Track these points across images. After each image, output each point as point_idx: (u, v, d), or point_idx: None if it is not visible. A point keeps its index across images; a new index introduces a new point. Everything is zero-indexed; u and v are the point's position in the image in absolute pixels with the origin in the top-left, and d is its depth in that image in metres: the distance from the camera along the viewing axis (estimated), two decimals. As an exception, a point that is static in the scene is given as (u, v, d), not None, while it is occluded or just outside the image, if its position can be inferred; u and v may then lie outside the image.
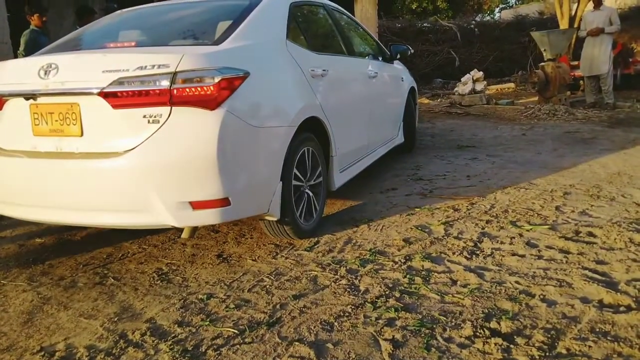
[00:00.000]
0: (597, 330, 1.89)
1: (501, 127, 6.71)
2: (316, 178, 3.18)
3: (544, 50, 8.22)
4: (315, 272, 2.54)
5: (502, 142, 5.77)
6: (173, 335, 2.05)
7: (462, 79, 9.69)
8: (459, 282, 2.36)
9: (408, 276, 2.44)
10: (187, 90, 2.36)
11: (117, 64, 2.41)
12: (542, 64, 8.32)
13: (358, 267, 2.58)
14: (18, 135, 2.65)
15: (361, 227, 3.17)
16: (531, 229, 2.97)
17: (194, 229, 2.67)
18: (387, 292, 2.29)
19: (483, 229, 3.03)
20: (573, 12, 11.95)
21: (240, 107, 2.50)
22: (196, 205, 2.42)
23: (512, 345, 1.83)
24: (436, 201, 3.64)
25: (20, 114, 2.61)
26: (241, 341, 1.97)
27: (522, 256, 2.61)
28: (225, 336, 2.01)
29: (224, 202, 2.45)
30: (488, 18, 21.91)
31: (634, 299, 2.10)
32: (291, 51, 3.08)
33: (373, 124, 4.18)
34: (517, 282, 2.32)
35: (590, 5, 8.44)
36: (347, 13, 4.57)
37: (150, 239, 3.18)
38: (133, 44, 3.01)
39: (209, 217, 2.48)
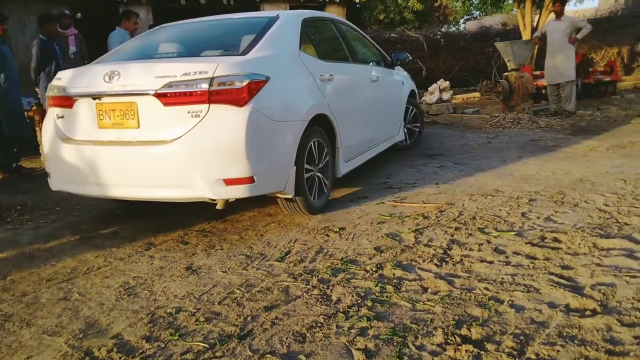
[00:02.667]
0: (565, 334, 1.93)
1: (468, 136, 6.83)
2: (324, 165, 3.78)
3: (508, 60, 8.42)
4: (287, 283, 2.52)
5: (469, 150, 5.87)
6: (141, 351, 1.99)
7: (429, 89, 9.84)
8: (429, 290, 2.38)
9: (379, 285, 2.44)
10: (222, 91, 3.00)
11: (167, 71, 3.06)
12: (506, 73, 8.53)
13: (330, 276, 2.57)
14: (85, 128, 3.32)
15: (332, 236, 3.17)
16: (498, 236, 3.02)
17: (226, 201, 3.23)
18: (359, 301, 2.28)
19: (452, 236, 3.07)
20: (535, 23, 12.32)
21: (262, 105, 3.12)
22: (228, 182, 3.05)
23: (482, 352, 1.84)
24: (406, 209, 3.67)
25: (88, 111, 3.28)
26: (212, 355, 1.93)
27: (491, 262, 2.65)
28: (195, 351, 1.97)
29: (250, 180, 3.08)
30: (453, 29, 22.38)
31: (599, 302, 2.15)
32: (303, 59, 3.73)
33: (375, 121, 4.79)
34: (486, 288, 2.36)
35: (552, 15, 8.68)
36: (354, 26, 5.24)
37: (117, 252, 3.11)
38: (176, 54, 3.75)
39: (238, 191, 3.10)
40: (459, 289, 2.36)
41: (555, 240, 2.91)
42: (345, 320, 2.13)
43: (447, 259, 2.72)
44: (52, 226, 3.72)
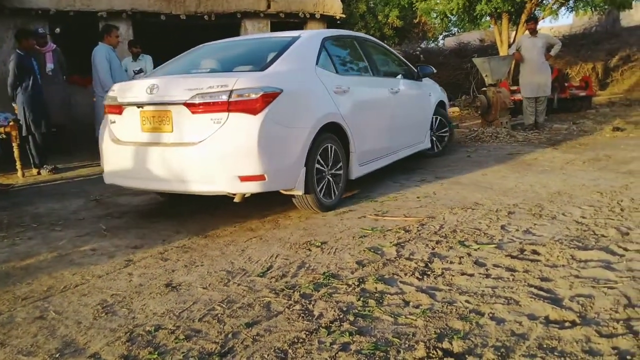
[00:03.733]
0: (545, 346, 1.94)
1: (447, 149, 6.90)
2: (337, 168, 4.20)
3: (486, 75, 8.58)
4: (269, 298, 2.50)
5: (449, 164, 5.94)
6: (119, 370, 1.95)
7: (410, 103, 9.93)
8: (411, 303, 2.38)
9: (362, 299, 2.44)
10: (239, 102, 3.49)
11: (195, 84, 3.61)
12: (484, 88, 8.68)
13: (312, 291, 2.56)
14: (130, 131, 3.91)
15: (314, 251, 3.16)
16: (479, 248, 3.05)
17: (243, 196, 3.76)
18: (341, 316, 2.27)
19: (433, 249, 3.09)
20: (512, 40, 12.59)
21: (275, 113, 3.59)
22: (243, 179, 3.53)
23: (464, 365, 1.85)
24: (388, 223, 3.68)
25: (133, 117, 3.86)
26: (192, 373, 1.90)
27: (471, 275, 2.66)
28: (175, 369, 1.94)
29: (262, 177, 3.55)
30: (433, 45, 22.73)
31: (578, 314, 2.17)
32: (319, 74, 4.18)
33: (395, 130, 5.14)
34: (467, 301, 2.37)
35: (527, 32, 8.90)
36: (380, 42, 5.73)
37: (94, 269, 3.05)
38: (208, 70, 4.25)
39: (251, 187, 3.60)
40: (440, 302, 2.37)
41: (534, 252, 2.94)
42: (328, 335, 2.12)
43: (429, 272, 2.73)
44: (29, 243, 3.65)
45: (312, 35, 4.58)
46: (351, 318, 2.25)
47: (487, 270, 2.72)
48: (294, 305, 2.41)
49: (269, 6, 9.79)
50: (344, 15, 10.81)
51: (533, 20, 8.77)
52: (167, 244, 3.46)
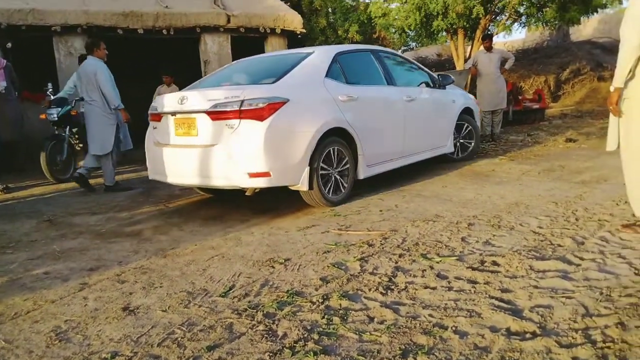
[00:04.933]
0: (507, 358, 1.96)
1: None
2: (344, 168, 4.72)
3: (444, 89, 8.77)
4: (231, 319, 2.44)
5: (410, 176, 6.00)
6: (73, 402, 1.85)
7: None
8: (376, 319, 2.37)
9: (326, 316, 2.41)
10: (249, 110, 4.11)
11: (214, 96, 4.29)
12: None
13: (275, 310, 2.52)
14: (167, 135, 4.64)
15: (278, 268, 3.12)
16: (441, 261, 3.08)
17: (253, 190, 4.41)
18: (305, 335, 2.24)
19: (396, 263, 3.09)
20: (468, 54, 12.94)
21: (280, 119, 4.18)
22: (251, 175, 4.15)
23: (429, 381, 1.84)
24: (352, 237, 3.68)
25: (169, 124, 4.59)
26: (151, 402, 1.83)
27: (434, 288, 2.68)
28: (133, 398, 1.86)
29: (267, 174, 4.14)
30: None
31: (538, 325, 2.21)
32: (327, 85, 4.70)
33: (409, 135, 5.51)
34: (430, 315, 2.37)
35: (482, 47, 9.20)
36: (401, 55, 6.30)
37: (47, 294, 2.92)
38: (233, 83, 4.90)
39: (259, 182, 4.18)
40: (404, 317, 2.37)
41: (494, 263, 2.99)
42: (292, 356, 2.08)
43: (393, 287, 2.73)
44: (-24, 268, 3.46)
45: (324, 51, 5.17)
46: (316, 337, 2.22)
47: (449, 282, 2.75)
48: (257, 326, 2.36)
49: (228, 21, 9.76)
50: (304, 30, 10.87)
51: (489, 38, 9.11)
52: (124, 266, 3.35)
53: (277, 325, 2.36)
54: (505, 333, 2.16)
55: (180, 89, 8.53)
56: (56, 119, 6.77)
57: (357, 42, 20.78)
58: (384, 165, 5.25)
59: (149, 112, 4.88)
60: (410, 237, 3.60)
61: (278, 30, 10.16)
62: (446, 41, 14.40)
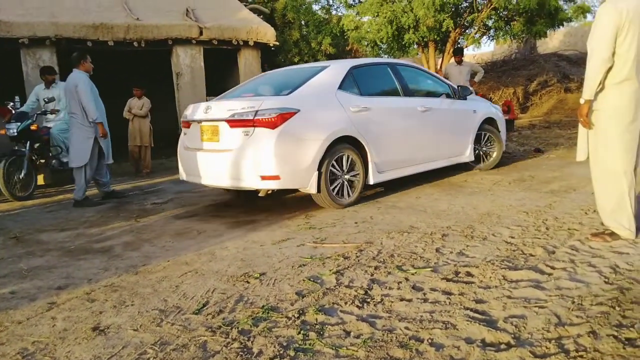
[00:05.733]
0: (482, 370, 1.97)
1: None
2: (354, 173, 5.07)
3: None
4: (205, 337, 2.39)
5: (384, 187, 6.04)
6: None
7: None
8: (352, 333, 2.35)
9: (302, 332, 2.39)
10: (262, 119, 4.56)
11: (233, 106, 4.77)
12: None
13: (251, 326, 2.48)
14: (195, 141, 5.19)
15: (253, 283, 3.08)
16: (416, 272, 3.09)
17: (266, 192, 4.98)
18: (281, 352, 2.21)
19: (372, 275, 3.09)
20: (438, 66, 13.16)
21: (290, 128, 4.60)
22: (263, 178, 4.58)
23: (406, 395, 1.83)
24: (327, 250, 3.67)
25: (196, 130, 5.15)
26: None
27: (410, 300, 2.68)
28: (103, 422, 1.79)
29: (277, 177, 4.56)
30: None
31: (512, 335, 2.23)
32: (339, 96, 5.04)
33: (423, 143, 5.77)
34: (406, 327, 2.37)
35: (452, 59, 9.40)
36: (421, 67, 6.64)
37: (14, 314, 2.82)
38: (251, 95, 5.32)
39: (270, 184, 4.63)
40: (380, 330, 2.36)
41: (468, 274, 3.01)
42: (267, 373, 2.04)
43: (368, 300, 2.72)
44: (-64, 289, 3.32)
45: (340, 65, 5.50)
46: (292, 353, 2.19)
47: (424, 294, 2.75)
48: (232, 344, 2.31)
49: (201, 33, 9.72)
50: (277, 42, 10.90)
51: (460, 52, 9.33)
52: (94, 283, 3.26)
53: (252, 342, 2.32)
54: (480, 344, 2.17)
55: (151, 102, 8.49)
56: (15, 134, 6.57)
57: (330, 55, 20.95)
58: (396, 172, 5.50)
59: (181, 119, 5.66)
60: (386, 249, 3.60)
61: (251, 43, 10.16)
62: (417, 54, 14.61)
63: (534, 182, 5.77)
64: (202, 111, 5.05)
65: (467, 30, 13.62)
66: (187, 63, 9.94)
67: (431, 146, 5.92)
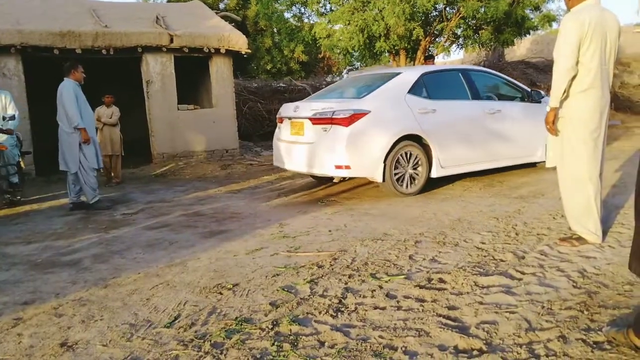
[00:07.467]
0: (456, 377, 1.98)
1: (357, 180, 7.06)
2: (416, 167, 5.74)
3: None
4: (177, 351, 2.35)
5: (358, 195, 6.07)
6: None
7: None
8: (326, 344, 2.34)
9: (276, 343, 2.37)
10: (337, 118, 5.45)
11: (315, 107, 5.82)
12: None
13: (224, 339, 2.45)
14: (286, 134, 6.27)
15: (226, 294, 3.05)
16: (389, 280, 3.10)
17: (340, 178, 6.25)
18: (254, 364, 2.18)
19: (346, 284, 3.09)
20: (410, 74, 13.31)
21: (361, 126, 5.43)
22: (336, 167, 5.49)
23: (380, 405, 1.83)
24: (301, 259, 3.65)
25: (288, 125, 6.23)
26: None
27: (383, 309, 2.69)
28: None
29: (348, 167, 5.45)
30: (337, 78, 23.47)
31: (484, 341, 2.25)
32: (407, 99, 5.76)
33: (488, 143, 6.21)
34: (380, 336, 2.38)
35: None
36: (496, 73, 6.96)
37: (-24, 333, 2.71)
38: (337, 96, 6.37)
39: (342, 172, 5.58)
40: (354, 340, 2.36)
41: (441, 280, 3.04)
42: (241, 386, 2.02)
43: (343, 309, 2.72)
44: None
45: (411, 71, 6.20)
46: (265, 365, 2.17)
47: (398, 302, 2.77)
48: (204, 357, 2.28)
49: (171, 40, 9.61)
50: (249, 50, 10.86)
51: (432, 59, 9.50)
52: (62, 298, 3.17)
53: (225, 355, 2.29)
54: (453, 351, 2.18)
55: (120, 110, 8.35)
56: None
57: (303, 62, 21.00)
58: (458, 168, 6.02)
59: (277, 116, 6.64)
60: (360, 256, 3.61)
61: (223, 50, 10.10)
62: (389, 61, 14.77)
63: (503, 188, 5.88)
64: (292, 110, 6.11)
65: (437, 39, 13.83)
66: (158, 71, 9.82)
67: (497, 146, 6.29)
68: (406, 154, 5.63)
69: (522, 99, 6.73)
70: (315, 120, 5.62)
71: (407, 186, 5.70)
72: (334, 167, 5.47)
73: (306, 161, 5.79)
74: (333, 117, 5.46)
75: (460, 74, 6.43)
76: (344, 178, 5.98)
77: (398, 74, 6.06)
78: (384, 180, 5.53)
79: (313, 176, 6.86)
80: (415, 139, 5.67)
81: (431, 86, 6.01)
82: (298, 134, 5.95)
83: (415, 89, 5.85)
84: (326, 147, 5.50)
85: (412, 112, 5.68)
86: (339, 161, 5.42)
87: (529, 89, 6.90)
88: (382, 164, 5.46)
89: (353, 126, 5.37)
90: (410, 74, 6.02)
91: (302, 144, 5.86)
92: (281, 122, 6.41)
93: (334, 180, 6.10)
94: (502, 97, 6.68)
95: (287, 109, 6.32)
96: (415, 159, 5.69)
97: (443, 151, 5.81)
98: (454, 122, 5.99)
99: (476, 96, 6.34)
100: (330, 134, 5.48)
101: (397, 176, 5.62)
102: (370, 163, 5.46)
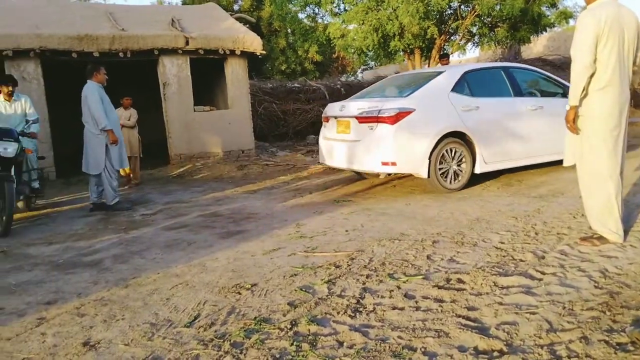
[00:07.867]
0: (476, 378, 1.97)
1: (373, 180, 7.06)
2: (460, 163, 5.85)
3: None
4: (197, 351, 2.38)
5: (374, 194, 6.06)
6: None
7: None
8: (345, 344, 2.35)
9: (295, 343, 2.38)
10: (383, 117, 5.60)
11: (361, 106, 6.01)
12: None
13: (243, 339, 2.47)
14: (332, 132, 6.47)
15: (244, 294, 3.07)
16: (407, 280, 3.09)
17: (386, 175, 6.26)
18: (274, 364, 2.20)
19: (364, 284, 3.09)
20: (425, 73, 13.25)
21: (406, 124, 5.57)
22: (383, 163, 5.63)
23: (401, 406, 1.83)
24: (318, 259, 3.66)
25: (333, 124, 6.42)
26: None
27: (402, 309, 2.68)
28: None
29: (394, 163, 5.59)
30: (352, 78, 23.47)
31: (505, 342, 2.24)
32: (450, 97, 5.87)
33: (531, 139, 6.25)
34: (399, 336, 2.37)
35: (439, 65, 9.47)
36: (536, 69, 7.04)
37: (2, 331, 2.77)
38: (380, 95, 6.45)
39: (388, 169, 5.68)
40: (373, 340, 2.36)
41: (460, 281, 3.02)
42: (261, 386, 2.03)
43: (361, 309, 2.72)
44: None
45: (454, 70, 6.27)
46: (285, 365, 2.18)
47: (416, 302, 2.76)
48: (224, 357, 2.30)
49: (187, 43, 9.70)
50: (264, 51, 10.90)
51: (446, 57, 9.41)
52: (84, 298, 3.22)
53: (244, 355, 2.31)
54: (473, 352, 2.17)
55: (137, 112, 8.45)
56: (13, 155, 6.14)
57: (317, 63, 21.02)
58: (501, 164, 6.12)
59: (323, 115, 6.87)
60: (377, 256, 3.61)
61: (238, 52, 10.15)
62: (404, 60, 14.72)
63: (522, 187, 5.82)
64: (338, 109, 6.32)
65: (452, 37, 13.75)
66: (174, 73, 9.91)
67: (539, 142, 6.31)
68: (450, 150, 5.74)
69: (564, 95, 6.62)
70: (362, 119, 5.79)
71: (451, 181, 5.80)
72: (381, 164, 5.60)
73: (352, 158, 5.96)
74: (379, 115, 5.60)
75: (502, 71, 6.51)
76: (390, 174, 6.10)
77: (441, 72, 6.16)
78: (429, 176, 5.64)
79: (357, 173, 6.98)
80: (459, 135, 5.77)
81: (474, 84, 6.13)
82: (344, 132, 6.13)
83: (458, 87, 5.96)
84: (372, 145, 5.65)
85: (456, 109, 5.80)
86: (386, 158, 5.56)
87: (569, 85, 6.85)
88: (427, 161, 5.58)
89: (399, 124, 5.51)
90: (452, 73, 6.13)
91: (349, 141, 6.02)
92: (327, 122, 6.60)
93: (380, 177, 6.37)
94: (543, 94, 6.73)
95: (332, 109, 6.51)
96: (460, 155, 5.80)
97: (486, 148, 5.91)
98: (496, 119, 6.07)
99: (518, 93, 6.41)
100: (377, 132, 5.63)
101: (441, 172, 5.73)
102: (416, 159, 5.59)
